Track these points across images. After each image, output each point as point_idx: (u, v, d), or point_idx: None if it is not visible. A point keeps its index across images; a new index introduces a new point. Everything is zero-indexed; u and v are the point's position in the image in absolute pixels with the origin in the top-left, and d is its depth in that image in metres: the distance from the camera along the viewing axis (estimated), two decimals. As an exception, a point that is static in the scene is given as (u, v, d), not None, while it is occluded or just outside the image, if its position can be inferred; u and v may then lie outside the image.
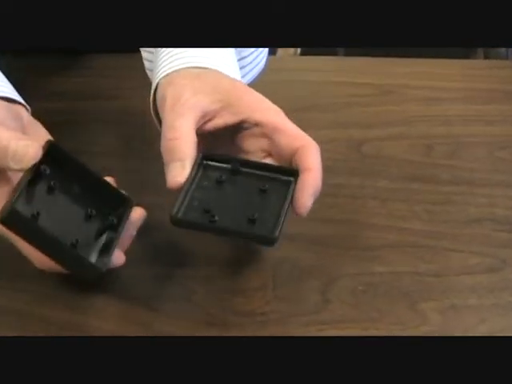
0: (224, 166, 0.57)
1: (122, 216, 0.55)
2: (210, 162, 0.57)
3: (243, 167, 0.57)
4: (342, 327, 0.55)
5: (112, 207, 0.55)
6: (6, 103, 0.57)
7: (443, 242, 0.61)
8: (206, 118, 0.57)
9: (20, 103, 0.59)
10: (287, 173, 0.56)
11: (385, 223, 0.62)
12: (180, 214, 0.53)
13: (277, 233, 0.53)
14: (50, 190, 0.54)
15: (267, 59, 0.75)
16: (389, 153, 0.70)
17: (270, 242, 0.53)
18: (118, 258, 0.55)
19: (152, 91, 0.59)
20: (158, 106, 0.58)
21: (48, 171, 0.53)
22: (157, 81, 0.58)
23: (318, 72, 0.81)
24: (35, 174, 0.52)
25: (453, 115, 0.74)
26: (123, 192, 0.56)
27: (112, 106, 0.66)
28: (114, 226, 0.55)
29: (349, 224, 0.63)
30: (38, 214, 0.51)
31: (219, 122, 0.57)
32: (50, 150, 0.53)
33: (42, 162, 0.53)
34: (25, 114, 0.59)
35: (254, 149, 0.58)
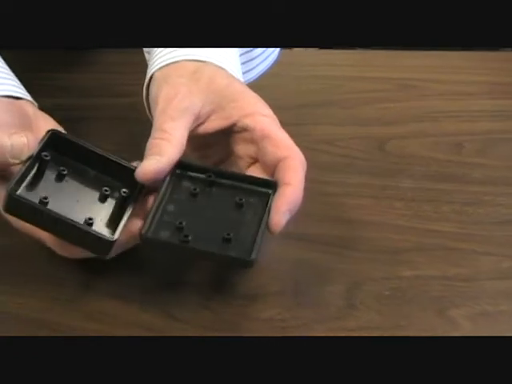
0: (199, 176, 0.56)
1: (134, 187, 0.55)
2: (184, 172, 0.56)
3: (219, 178, 0.56)
4: (367, 334, 0.55)
5: (124, 181, 0.56)
6: (8, 100, 0.57)
7: (473, 245, 0.60)
8: (198, 121, 0.57)
9: (25, 99, 0.59)
10: (265, 185, 0.55)
11: (411, 225, 0.62)
12: (150, 233, 0.52)
13: (253, 255, 0.51)
14: (60, 177, 0.55)
15: (280, 52, 0.75)
16: (413, 151, 0.69)
17: (246, 265, 0.52)
18: (135, 224, 0.54)
19: (146, 81, 0.59)
20: (151, 101, 0.58)
21: (49, 157, 0.54)
22: (152, 71, 0.58)
23: (333, 66, 0.81)
24: (39, 163, 0.54)
25: (479, 110, 0.73)
26: (131, 165, 0.56)
27: (120, 103, 0.65)
28: (128, 199, 0.55)
29: (372, 225, 0.62)
30: (45, 198, 0.53)
31: (209, 126, 0.57)
32: (53, 139, 0.55)
33: (43, 150, 0.54)
34: (31, 109, 0.59)
35: (242, 154, 0.58)
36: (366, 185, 0.66)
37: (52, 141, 0.55)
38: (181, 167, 0.55)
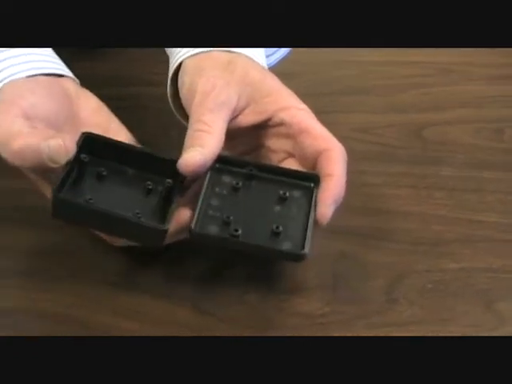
0: (239, 170, 0.57)
1: (176, 179, 0.56)
2: (223, 166, 0.57)
3: (260, 172, 0.57)
4: (409, 330, 0.55)
5: (165, 174, 0.56)
6: (49, 80, 0.58)
7: (520, 236, 0.60)
8: (233, 115, 0.57)
9: (67, 76, 0.59)
10: (307, 178, 0.56)
11: (454, 215, 0.62)
12: (198, 228, 0.53)
13: (306, 249, 0.52)
14: (100, 177, 0.56)
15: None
16: (454, 138, 0.69)
17: (298, 258, 0.53)
18: (183, 214, 0.54)
19: (174, 68, 0.59)
20: (182, 90, 0.58)
21: (88, 159, 0.55)
22: (182, 58, 0.58)
23: (366, 50, 0.80)
24: (78, 165, 0.55)
25: (524, 95, 0.73)
26: (171, 157, 0.56)
27: (148, 92, 0.66)
28: (172, 190, 0.55)
29: (413, 216, 0.62)
30: (90, 199, 0.54)
31: (243, 120, 0.58)
32: (87, 141, 0.55)
33: (81, 152, 0.55)
34: (72, 87, 0.59)
35: (276, 148, 0.58)
36: (405, 174, 0.66)
37: (87, 142, 0.56)
38: (220, 161, 0.56)
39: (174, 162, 0.55)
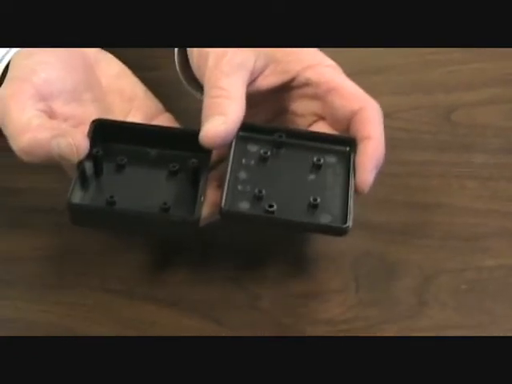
0: (266, 137, 0.56)
1: (203, 154, 0.55)
2: (248, 134, 0.56)
3: (289, 138, 0.56)
4: (443, 335, 0.55)
5: (191, 149, 0.56)
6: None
7: None
8: (251, 78, 0.57)
9: None
10: (342, 142, 0.56)
11: (489, 207, 0.62)
12: (228, 206, 0.53)
13: (348, 222, 0.52)
14: (120, 168, 0.56)
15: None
16: (485, 120, 0.69)
17: (341, 232, 0.53)
18: (213, 195, 0.54)
19: None
20: (194, 60, 0.58)
21: (102, 152, 0.55)
22: None
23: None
24: (93, 162, 0.55)
25: None
26: (194, 130, 0.55)
27: (145, 77, 0.66)
28: (199, 169, 0.55)
29: (443, 209, 0.62)
30: (111, 197, 0.53)
31: (263, 83, 0.57)
32: (99, 129, 0.55)
33: (93, 145, 0.54)
34: (90, 50, 0.59)
35: (303, 112, 0.58)
36: (433, 162, 0.66)
37: (99, 130, 0.55)
38: (243, 129, 0.55)
39: (197, 133, 0.54)
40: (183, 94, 0.62)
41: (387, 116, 0.69)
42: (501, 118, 0.69)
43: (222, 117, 0.53)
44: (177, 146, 0.56)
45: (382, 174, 0.63)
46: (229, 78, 0.55)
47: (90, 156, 0.54)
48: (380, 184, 0.63)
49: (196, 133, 0.54)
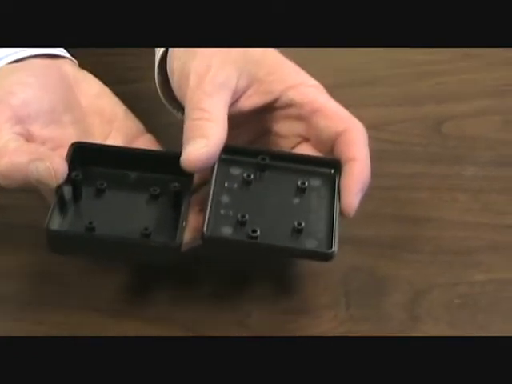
0: (249, 160, 0.56)
1: (184, 177, 0.55)
2: (231, 157, 0.56)
3: (273, 161, 0.56)
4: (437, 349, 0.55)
5: (171, 172, 0.55)
6: (44, 63, 0.58)
7: (557, 241, 0.61)
8: (234, 98, 0.56)
9: (64, 57, 0.59)
10: (327, 164, 0.56)
11: (480, 220, 0.62)
12: (211, 231, 0.52)
13: (334, 247, 0.52)
14: (99, 192, 0.56)
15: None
16: (476, 132, 0.69)
17: (326, 258, 0.53)
18: (195, 219, 0.54)
19: (160, 54, 0.59)
20: (174, 80, 0.57)
21: (81, 176, 0.54)
22: None
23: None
24: (72, 186, 0.54)
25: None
26: (173, 152, 0.55)
27: (125, 90, 0.65)
28: (181, 193, 0.55)
29: (434, 223, 0.62)
30: (90, 223, 0.53)
31: (245, 104, 0.57)
32: (78, 152, 0.55)
33: (73, 169, 0.54)
34: (70, 70, 0.59)
35: (286, 133, 0.58)
36: (423, 175, 0.66)
37: (78, 154, 0.55)
38: (226, 152, 0.55)
39: (179, 156, 0.54)
40: (167, 108, 0.62)
41: (375, 128, 0.70)
42: (491, 130, 0.69)
43: (203, 140, 0.53)
44: (158, 169, 0.56)
45: (371, 188, 0.63)
46: (211, 99, 0.55)
47: (68, 180, 0.54)
48: (368, 197, 0.62)
49: (178, 156, 0.54)
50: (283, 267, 0.60)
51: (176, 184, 0.55)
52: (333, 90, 0.75)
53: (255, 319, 0.57)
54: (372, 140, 0.68)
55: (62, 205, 0.54)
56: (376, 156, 0.67)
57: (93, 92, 0.59)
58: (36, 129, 0.55)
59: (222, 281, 0.59)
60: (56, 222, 0.53)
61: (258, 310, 0.57)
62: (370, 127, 0.69)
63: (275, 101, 0.57)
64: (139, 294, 0.58)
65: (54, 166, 0.52)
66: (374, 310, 0.57)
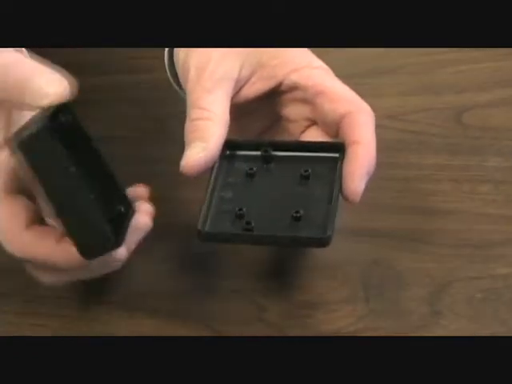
0: (252, 153, 0.57)
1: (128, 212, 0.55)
2: (234, 152, 0.57)
3: (276, 151, 0.57)
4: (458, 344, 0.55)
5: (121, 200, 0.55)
6: None
7: None
8: (237, 87, 0.57)
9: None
10: (331, 149, 0.56)
11: (503, 212, 0.62)
12: (207, 227, 0.54)
13: (328, 231, 0.52)
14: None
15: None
16: (498, 122, 0.69)
17: (322, 243, 0.53)
18: (121, 252, 0.54)
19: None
20: (180, 73, 0.59)
21: (64, 119, 0.51)
22: None
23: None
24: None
25: None
26: (128, 197, 0.55)
27: (137, 81, 0.66)
28: (124, 215, 0.55)
29: (455, 215, 0.63)
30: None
31: (250, 91, 0.58)
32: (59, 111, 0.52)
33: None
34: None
35: (295, 117, 0.59)
36: (444, 166, 0.66)
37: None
38: (229, 147, 0.57)
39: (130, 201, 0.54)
40: (181, 98, 0.62)
41: (394, 118, 0.71)
42: (513, 120, 0.70)
43: (202, 143, 0.54)
44: (110, 190, 0.54)
45: (389, 179, 0.65)
46: (211, 95, 0.56)
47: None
48: (386, 189, 0.64)
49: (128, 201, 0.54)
50: (301, 260, 0.61)
51: (122, 208, 0.54)
52: (350, 80, 0.76)
53: (272, 314, 0.58)
54: (390, 130, 0.70)
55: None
56: (394, 146, 0.68)
57: None
58: None
59: (237, 275, 0.60)
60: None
61: (274, 304, 0.58)
62: (388, 117, 0.71)
63: (280, 85, 0.58)
64: (156, 288, 0.59)
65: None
66: (394, 304, 0.58)
